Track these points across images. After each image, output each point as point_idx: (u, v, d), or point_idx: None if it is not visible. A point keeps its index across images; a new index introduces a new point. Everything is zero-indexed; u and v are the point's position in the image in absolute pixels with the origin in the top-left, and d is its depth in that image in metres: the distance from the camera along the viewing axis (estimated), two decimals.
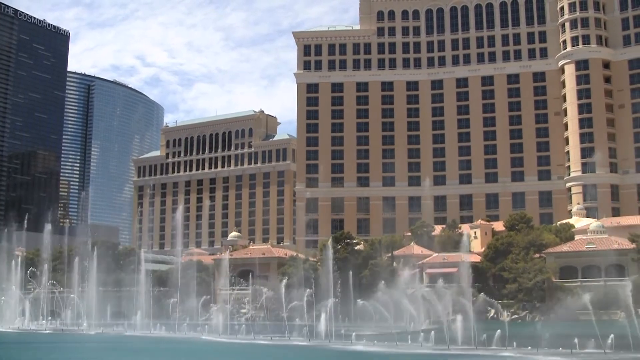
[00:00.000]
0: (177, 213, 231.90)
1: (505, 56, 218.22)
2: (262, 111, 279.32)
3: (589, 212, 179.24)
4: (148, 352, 73.05)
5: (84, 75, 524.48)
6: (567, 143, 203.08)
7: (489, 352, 59.80)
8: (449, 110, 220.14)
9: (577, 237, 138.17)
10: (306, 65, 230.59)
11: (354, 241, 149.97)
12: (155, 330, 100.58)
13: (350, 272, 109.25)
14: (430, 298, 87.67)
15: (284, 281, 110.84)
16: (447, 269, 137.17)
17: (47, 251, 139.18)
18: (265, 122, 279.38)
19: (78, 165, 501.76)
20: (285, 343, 75.67)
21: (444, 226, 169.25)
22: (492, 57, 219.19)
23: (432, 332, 69.81)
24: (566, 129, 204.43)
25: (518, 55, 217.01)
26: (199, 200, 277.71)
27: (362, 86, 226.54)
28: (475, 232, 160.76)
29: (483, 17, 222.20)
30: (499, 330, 62.12)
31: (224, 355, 69.79)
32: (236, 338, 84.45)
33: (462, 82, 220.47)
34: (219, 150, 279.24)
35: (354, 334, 72.86)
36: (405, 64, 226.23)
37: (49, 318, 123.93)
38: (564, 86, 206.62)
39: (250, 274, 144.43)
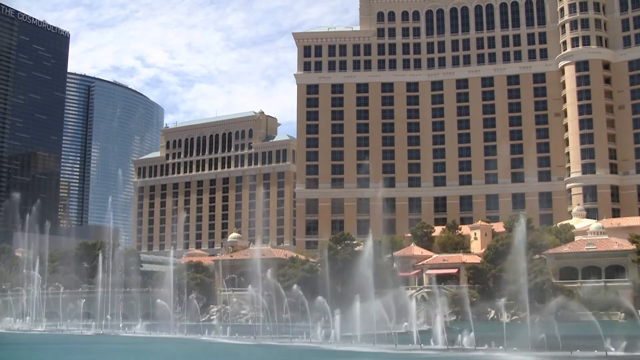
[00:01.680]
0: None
1: (505, 57, 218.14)
2: (262, 112, 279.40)
3: (589, 213, 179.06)
4: (147, 353, 72.91)
5: (84, 76, 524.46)
6: (567, 144, 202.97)
7: (488, 352, 59.68)
8: (449, 111, 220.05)
9: (577, 238, 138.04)
10: (306, 66, 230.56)
11: (354, 242, 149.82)
12: (155, 332, 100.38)
13: (350, 273, 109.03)
14: (429, 299, 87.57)
15: (284, 282, 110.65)
16: (447, 270, 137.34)
17: (46, 252, 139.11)
18: (265, 123, 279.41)
19: (78, 166, 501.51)
20: (284, 344, 75.54)
21: (444, 227, 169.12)
22: (492, 58, 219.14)
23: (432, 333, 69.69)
24: (566, 130, 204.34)
25: (518, 56, 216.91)
26: (199, 201, 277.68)
27: (362, 87, 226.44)
28: (475, 233, 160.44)
29: (483, 18, 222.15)
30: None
31: (222, 356, 69.64)
32: (236, 339, 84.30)
33: (462, 83, 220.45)
34: (219, 151, 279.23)
35: (353, 335, 72.74)
36: (405, 65, 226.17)
37: (48, 318, 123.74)
38: (564, 87, 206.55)
39: (250, 275, 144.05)
